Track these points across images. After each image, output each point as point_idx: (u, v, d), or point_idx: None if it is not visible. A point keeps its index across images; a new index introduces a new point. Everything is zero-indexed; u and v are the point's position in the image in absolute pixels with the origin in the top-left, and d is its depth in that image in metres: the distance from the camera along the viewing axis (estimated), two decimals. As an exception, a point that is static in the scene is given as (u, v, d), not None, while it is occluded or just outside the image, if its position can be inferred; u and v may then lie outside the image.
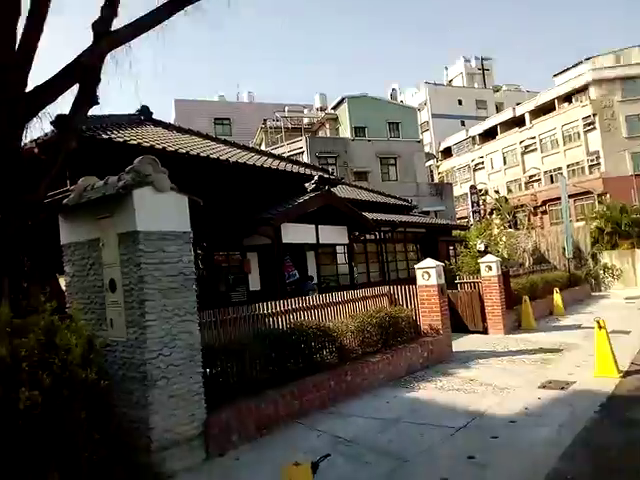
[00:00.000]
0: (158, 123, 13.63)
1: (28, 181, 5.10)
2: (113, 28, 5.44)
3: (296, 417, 5.95)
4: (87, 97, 5.30)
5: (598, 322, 7.42)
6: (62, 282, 9.46)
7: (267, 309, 7.09)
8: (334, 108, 36.93)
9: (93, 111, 6.68)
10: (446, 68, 65.18)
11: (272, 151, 21.00)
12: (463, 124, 52.77)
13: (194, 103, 41.54)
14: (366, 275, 16.88)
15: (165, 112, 73.56)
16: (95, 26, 5.26)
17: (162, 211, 4.79)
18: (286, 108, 40.11)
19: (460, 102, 55.45)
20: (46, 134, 8.21)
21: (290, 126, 37.20)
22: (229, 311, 6.51)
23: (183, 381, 4.77)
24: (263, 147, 34.22)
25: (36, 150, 8.31)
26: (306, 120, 39.77)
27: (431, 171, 49.42)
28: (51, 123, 6.84)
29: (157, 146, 9.82)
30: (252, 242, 12.03)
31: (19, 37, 4.96)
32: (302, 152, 29.24)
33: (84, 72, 5.17)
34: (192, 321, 4.95)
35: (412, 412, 6.13)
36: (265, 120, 37.56)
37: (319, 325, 7.21)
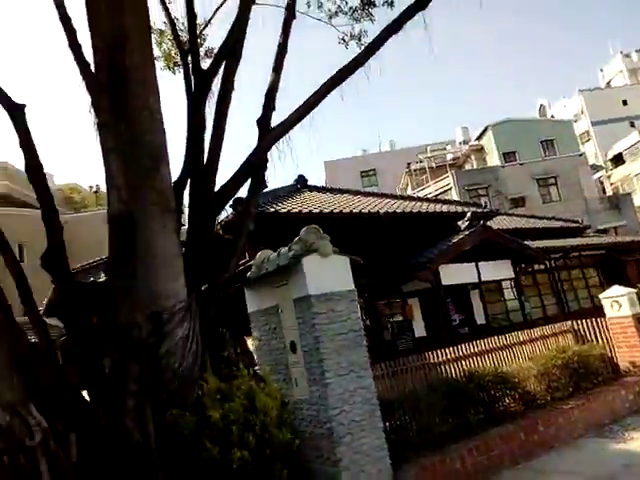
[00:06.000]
0: (313, 188, 14.88)
1: (219, 259, 5.96)
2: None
3: (483, 474, 5.57)
4: (258, 185, 6.21)
5: None
6: (249, 342, 10.63)
7: (437, 357, 6.97)
8: (478, 139, 35.87)
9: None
10: (601, 70, 58.84)
11: (418, 192, 21.17)
12: (633, 125, 46.37)
13: (340, 161, 44.04)
14: (541, 309, 15.44)
15: (314, 172, 79.26)
16: (259, 123, 6.18)
17: (328, 274, 5.15)
18: (428, 148, 40.12)
19: (625, 102, 49.08)
20: (227, 215, 9.70)
21: (434, 165, 37.00)
22: (399, 362, 6.56)
23: (366, 436, 4.85)
24: (409, 190, 34.44)
25: (220, 231, 9.81)
26: (450, 156, 39.17)
27: (601, 183, 43.96)
28: (230, 206, 8.04)
29: (314, 210, 10.91)
30: (411, 287, 12.05)
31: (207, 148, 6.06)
32: (450, 188, 28.61)
33: (254, 168, 6.09)
34: (366, 377, 5.09)
35: (626, 468, 5.31)
36: (409, 164, 37.99)
37: (496, 371, 6.79)
